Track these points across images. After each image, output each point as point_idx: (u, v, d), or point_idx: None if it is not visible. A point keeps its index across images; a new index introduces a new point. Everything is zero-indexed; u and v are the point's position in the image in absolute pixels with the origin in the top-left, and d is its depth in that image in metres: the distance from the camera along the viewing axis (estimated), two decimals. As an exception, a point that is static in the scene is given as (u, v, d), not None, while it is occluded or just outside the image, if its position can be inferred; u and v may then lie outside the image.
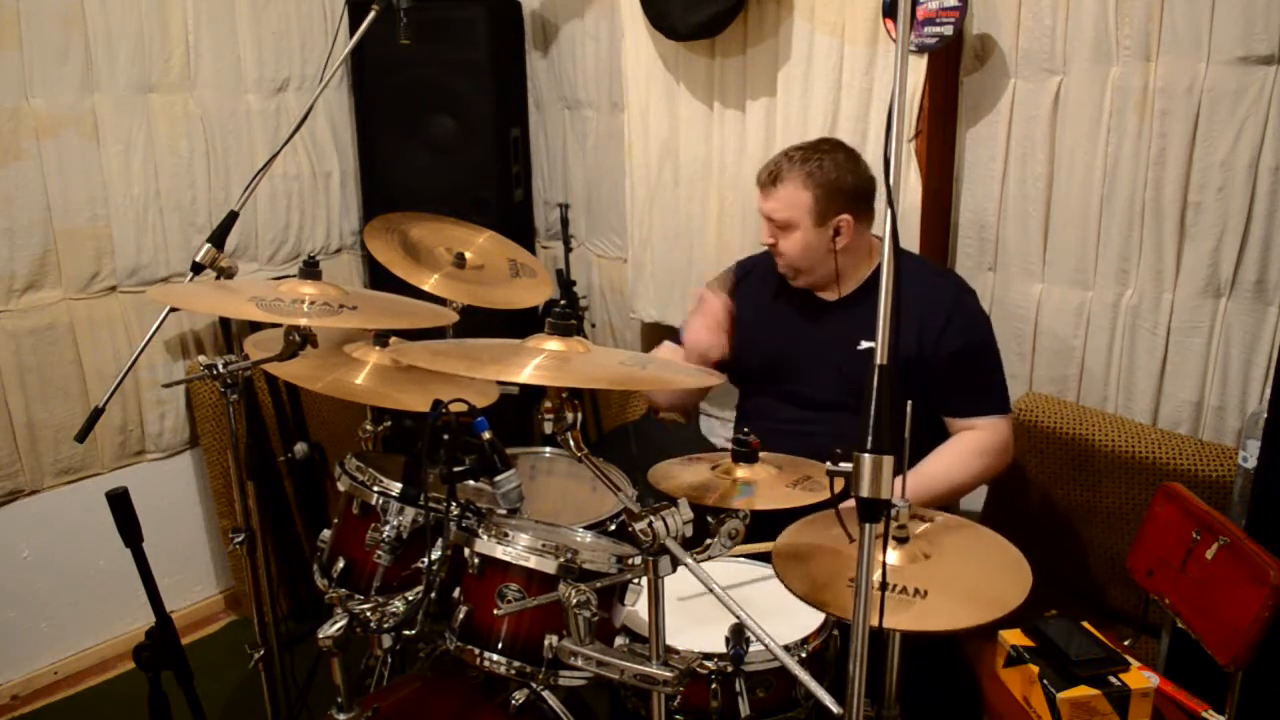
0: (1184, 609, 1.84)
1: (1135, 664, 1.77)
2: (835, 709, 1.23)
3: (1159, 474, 2.11)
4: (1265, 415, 1.83)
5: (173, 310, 1.98)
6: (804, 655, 1.63)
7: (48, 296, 2.65)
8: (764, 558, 1.79)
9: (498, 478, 1.54)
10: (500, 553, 1.55)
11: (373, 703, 1.58)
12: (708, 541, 1.51)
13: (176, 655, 1.68)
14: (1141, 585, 1.99)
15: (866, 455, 1.05)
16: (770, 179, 2.08)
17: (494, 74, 3.10)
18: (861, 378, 1.07)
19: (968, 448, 2.06)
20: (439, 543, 1.55)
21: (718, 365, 2.23)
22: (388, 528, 1.69)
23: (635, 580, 1.55)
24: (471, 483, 1.57)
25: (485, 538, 1.56)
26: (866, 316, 2.11)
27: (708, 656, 1.58)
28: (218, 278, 1.92)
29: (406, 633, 1.49)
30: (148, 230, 2.79)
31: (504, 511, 1.60)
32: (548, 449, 2.37)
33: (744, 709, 1.58)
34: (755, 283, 2.29)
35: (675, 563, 1.33)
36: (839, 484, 1.16)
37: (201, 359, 1.82)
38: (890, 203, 1.09)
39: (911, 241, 2.43)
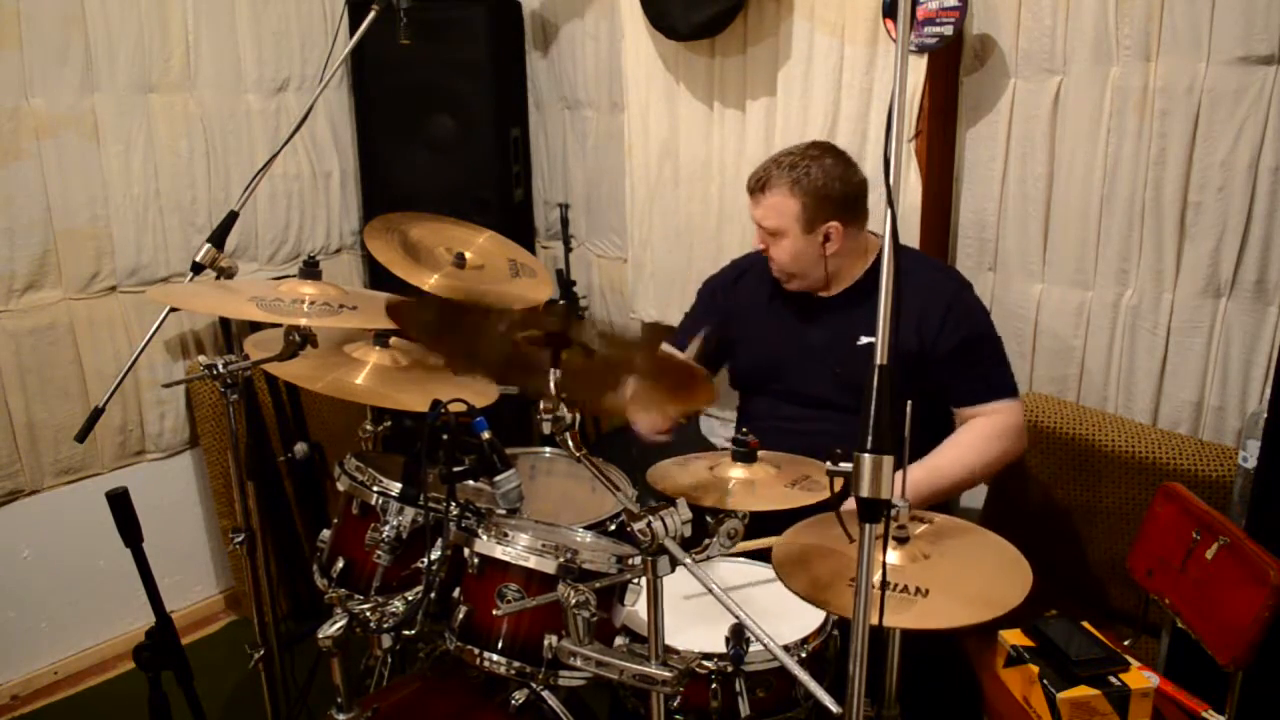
0: (1184, 609, 1.84)
1: (1135, 664, 1.77)
2: (835, 709, 1.23)
3: (1159, 474, 2.11)
4: (1265, 415, 1.83)
5: (173, 310, 1.98)
6: (804, 655, 1.63)
7: (48, 296, 2.65)
8: (764, 557, 1.80)
9: (497, 478, 1.54)
10: (500, 553, 1.55)
11: (373, 703, 1.58)
12: (706, 541, 1.51)
13: (176, 655, 1.68)
14: (1141, 585, 1.99)
15: (866, 455, 1.05)
16: (758, 186, 2.08)
17: (494, 74, 3.09)
18: (860, 374, 1.07)
19: (982, 433, 2.04)
20: (439, 543, 1.55)
21: (716, 368, 2.26)
22: (387, 528, 1.69)
23: (634, 580, 1.55)
24: (471, 483, 1.58)
25: (485, 538, 1.56)
26: (863, 313, 2.11)
27: (707, 656, 1.58)
28: (218, 278, 1.92)
29: (406, 633, 1.49)
30: (148, 230, 2.79)
31: (504, 511, 1.60)
32: (547, 449, 2.37)
33: (744, 709, 1.58)
34: (752, 282, 2.29)
35: (674, 563, 1.33)
36: (839, 484, 1.16)
37: (201, 359, 1.82)
38: (890, 203, 1.09)
39: (911, 241, 2.43)
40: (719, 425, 3.12)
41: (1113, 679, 1.73)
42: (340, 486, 1.82)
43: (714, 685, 1.59)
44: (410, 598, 1.52)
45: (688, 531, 1.35)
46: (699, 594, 1.77)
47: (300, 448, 2.22)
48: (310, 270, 1.80)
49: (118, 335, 2.77)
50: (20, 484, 2.66)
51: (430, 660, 1.81)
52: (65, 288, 2.67)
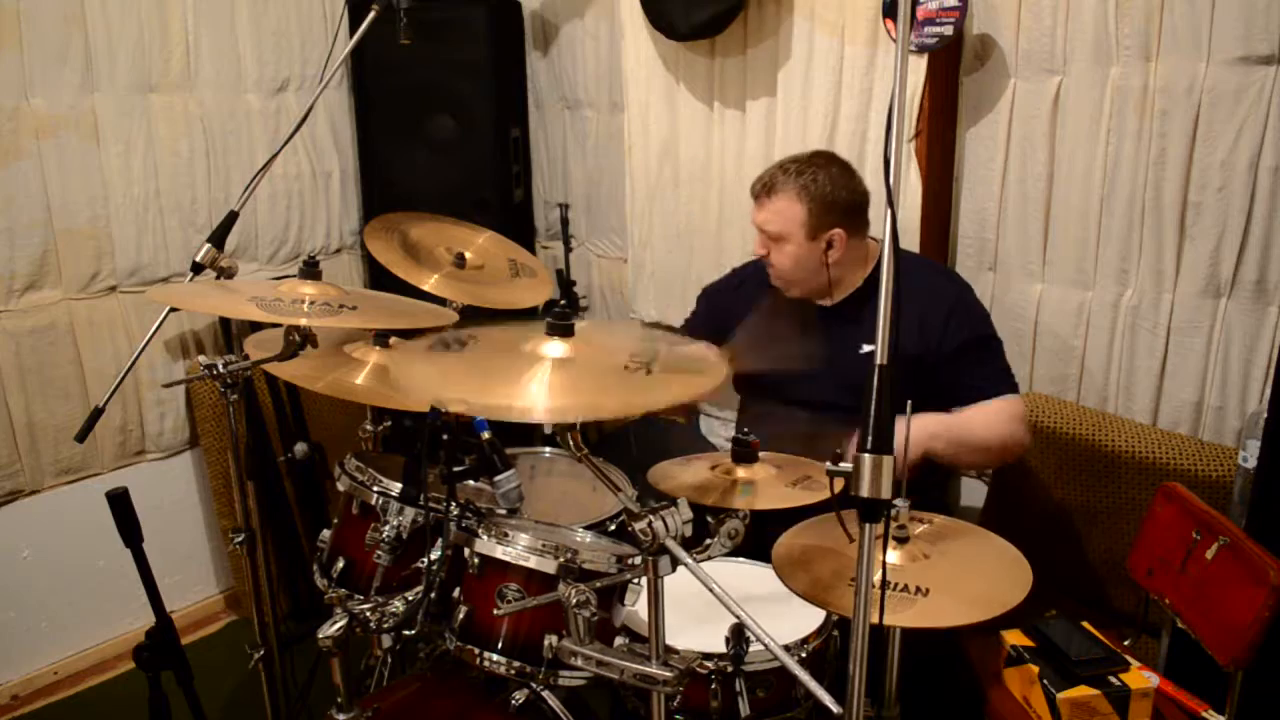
0: (1184, 609, 1.84)
1: (1135, 664, 1.77)
2: (835, 709, 1.23)
3: (1159, 474, 2.11)
4: (1265, 415, 1.83)
5: (173, 310, 1.98)
6: (804, 655, 1.63)
7: (48, 296, 2.65)
8: (764, 558, 1.79)
9: (497, 478, 1.54)
10: (500, 553, 1.55)
11: (373, 703, 1.58)
12: (707, 541, 1.51)
13: (176, 655, 1.68)
14: (1141, 585, 1.99)
15: (866, 455, 1.05)
16: (764, 190, 2.08)
17: (494, 74, 3.09)
18: (862, 381, 1.07)
19: (998, 410, 2.04)
20: (439, 543, 1.55)
21: None
22: (387, 528, 1.69)
23: (635, 580, 1.55)
24: (471, 483, 1.58)
25: (485, 538, 1.56)
26: (865, 320, 2.11)
27: (708, 656, 1.58)
28: (218, 278, 1.91)
29: (406, 633, 1.49)
30: (148, 230, 2.79)
31: (504, 511, 1.60)
32: (548, 449, 2.37)
33: (744, 709, 1.58)
34: (752, 289, 2.29)
35: (675, 562, 1.33)
36: (839, 484, 1.16)
37: (201, 359, 1.82)
38: (890, 203, 1.09)
39: (911, 241, 2.43)
40: (719, 425, 3.12)
41: (1113, 679, 1.73)
42: (340, 486, 1.82)
43: (714, 685, 1.59)
44: (410, 598, 1.52)
45: (688, 531, 1.35)
46: (699, 593, 1.77)
47: (300, 448, 2.22)
48: (310, 270, 1.79)
49: (118, 335, 2.77)
50: (20, 484, 2.66)
51: (430, 660, 1.81)
52: (65, 288, 2.67)
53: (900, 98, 1.09)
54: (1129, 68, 2.15)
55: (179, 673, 1.70)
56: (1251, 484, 1.90)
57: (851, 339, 2.11)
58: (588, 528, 1.87)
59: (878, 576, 1.36)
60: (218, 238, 1.90)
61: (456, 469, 1.50)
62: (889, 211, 1.09)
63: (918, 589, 1.39)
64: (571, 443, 1.35)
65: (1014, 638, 1.85)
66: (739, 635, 1.56)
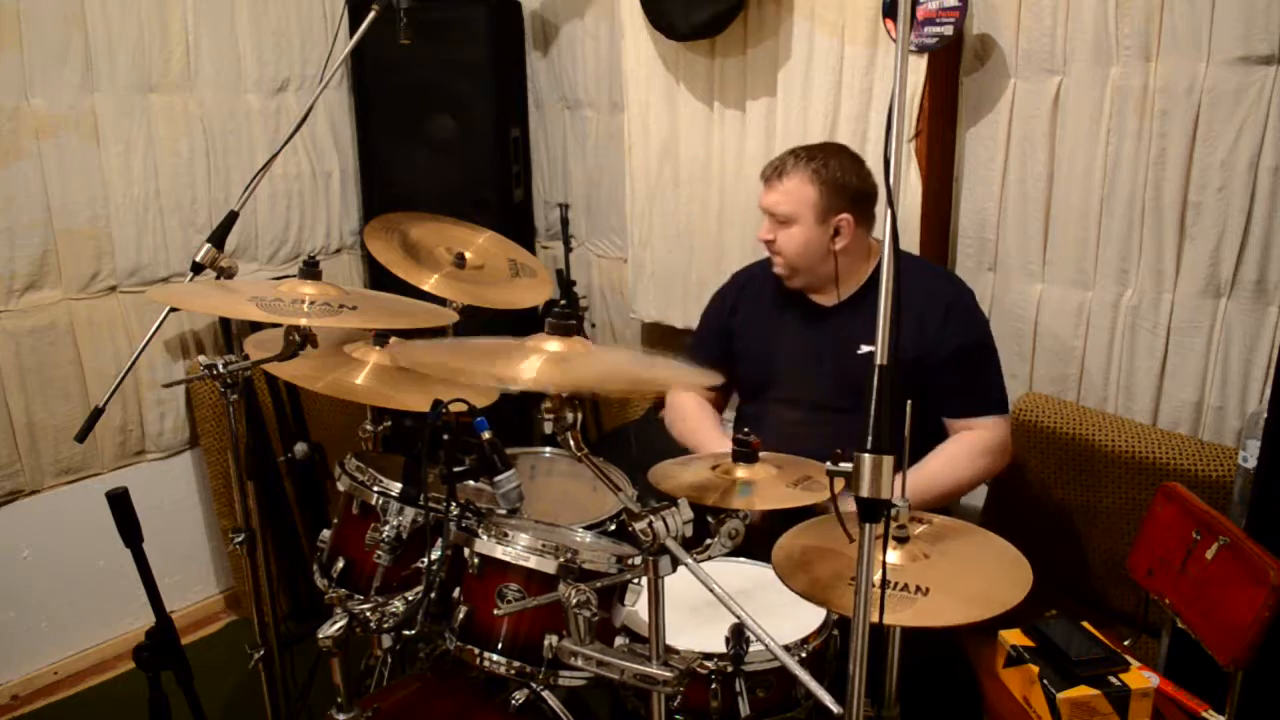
0: (1184, 609, 1.84)
1: (1135, 664, 1.77)
2: (835, 709, 1.23)
3: (1159, 474, 2.11)
4: (1265, 415, 1.83)
5: (173, 310, 1.98)
6: (804, 655, 1.63)
7: (48, 296, 2.65)
8: (764, 558, 1.79)
9: (498, 478, 1.54)
10: (500, 553, 1.55)
11: (373, 703, 1.58)
12: (708, 541, 1.51)
13: (176, 655, 1.68)
14: (1141, 585, 1.99)
15: (866, 455, 1.05)
16: (775, 173, 2.09)
17: (494, 74, 3.09)
18: (861, 381, 1.07)
19: (967, 448, 2.06)
20: (439, 543, 1.55)
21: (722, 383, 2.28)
22: (388, 528, 1.69)
23: (635, 580, 1.55)
24: (471, 483, 1.57)
25: (485, 538, 1.56)
26: (865, 320, 2.10)
27: (708, 656, 1.58)
28: (218, 278, 1.91)
29: (406, 633, 1.49)
30: (148, 230, 2.79)
31: (504, 511, 1.60)
32: (548, 449, 2.37)
33: (744, 709, 1.58)
34: (753, 291, 2.30)
35: (675, 563, 1.33)
36: (839, 484, 1.16)
37: (201, 359, 1.81)
38: (890, 203, 1.09)
39: (911, 241, 2.43)
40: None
41: (1113, 679, 1.73)
42: (340, 486, 1.82)
43: (714, 685, 1.59)
44: (410, 598, 1.52)
45: (689, 531, 1.35)
46: (699, 593, 1.77)
47: (300, 448, 2.22)
48: (310, 270, 1.79)
49: (118, 335, 2.77)
50: (20, 484, 2.66)
51: (430, 660, 1.81)
52: (65, 288, 2.67)
53: (900, 98, 1.09)
54: (1129, 68, 2.15)
55: (179, 673, 1.70)
56: (1251, 484, 1.90)
57: (852, 339, 2.11)
58: (588, 528, 1.87)
59: (878, 576, 1.36)
60: (218, 238, 1.90)
61: (456, 469, 1.50)
62: (889, 211, 1.09)
63: (918, 589, 1.39)
64: (571, 443, 1.35)
65: (1014, 638, 1.85)
66: (739, 635, 1.56)
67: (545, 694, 1.69)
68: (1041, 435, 2.32)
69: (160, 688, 1.65)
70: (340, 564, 1.78)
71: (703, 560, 1.38)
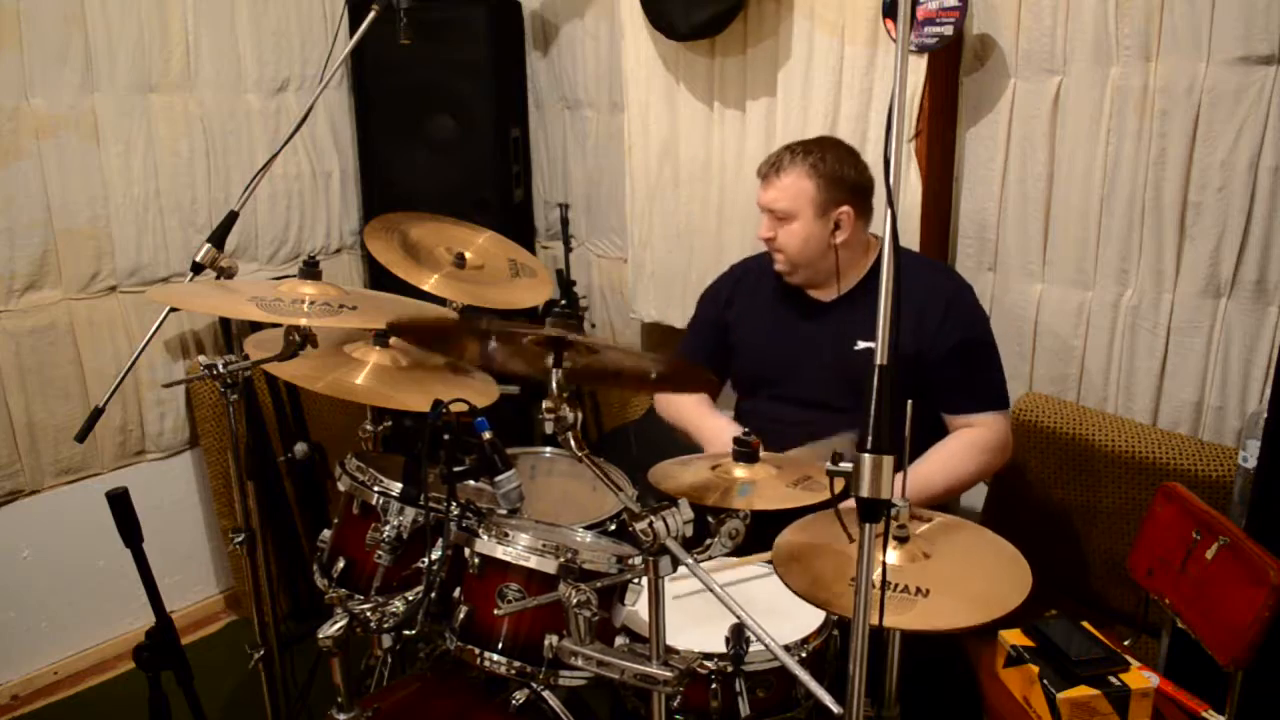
0: (1184, 609, 1.84)
1: (1135, 664, 1.77)
2: (835, 709, 1.23)
3: (1159, 474, 2.11)
4: (1265, 415, 1.83)
5: (173, 310, 1.98)
6: (804, 655, 1.63)
7: (48, 296, 2.65)
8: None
9: (498, 478, 1.54)
10: (500, 553, 1.55)
11: (373, 703, 1.58)
12: (708, 541, 1.51)
13: (176, 655, 1.68)
14: (1141, 585, 1.99)
15: (866, 455, 1.05)
16: (772, 169, 2.09)
17: (494, 74, 3.09)
18: (860, 377, 1.07)
19: (966, 444, 2.05)
20: (439, 543, 1.55)
21: (716, 373, 2.26)
22: (388, 528, 1.69)
23: (635, 580, 1.55)
24: (471, 483, 1.58)
25: (485, 538, 1.56)
26: (863, 316, 2.11)
27: (708, 656, 1.58)
28: (218, 278, 1.92)
29: (406, 633, 1.49)
30: (148, 230, 2.79)
31: (504, 511, 1.60)
32: (548, 449, 2.37)
33: (744, 709, 1.58)
34: (750, 285, 2.29)
35: (675, 563, 1.33)
36: (839, 484, 1.16)
37: (201, 359, 1.82)
38: (890, 202, 1.09)
39: (911, 241, 2.43)
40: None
41: (1113, 679, 1.73)
42: (341, 486, 1.82)
43: (714, 685, 1.59)
44: (410, 598, 1.52)
45: (689, 531, 1.35)
46: (699, 592, 1.78)
47: (300, 448, 2.22)
48: (310, 270, 1.79)
49: (118, 335, 2.77)
50: (20, 484, 2.66)
51: (430, 660, 1.81)
52: (65, 288, 2.67)
53: (900, 98, 1.09)
54: (1129, 68, 2.15)
55: (179, 673, 1.70)
56: (1251, 484, 1.90)
57: (850, 335, 2.11)
58: (588, 528, 1.87)
59: (878, 575, 1.36)
60: (218, 238, 1.90)
61: (457, 469, 1.50)
62: (889, 211, 1.09)
63: (918, 589, 1.39)
64: (572, 443, 1.35)
65: (1014, 638, 1.85)
66: (739, 635, 1.56)
67: (545, 694, 1.69)
68: (1041, 435, 2.32)
69: (160, 688, 1.65)
70: (340, 564, 1.78)
71: (702, 560, 1.38)
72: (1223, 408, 2.16)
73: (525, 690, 1.69)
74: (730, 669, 1.58)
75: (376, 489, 1.75)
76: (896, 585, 1.40)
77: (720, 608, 1.34)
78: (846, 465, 1.09)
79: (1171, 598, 1.88)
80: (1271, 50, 1.96)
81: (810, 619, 1.69)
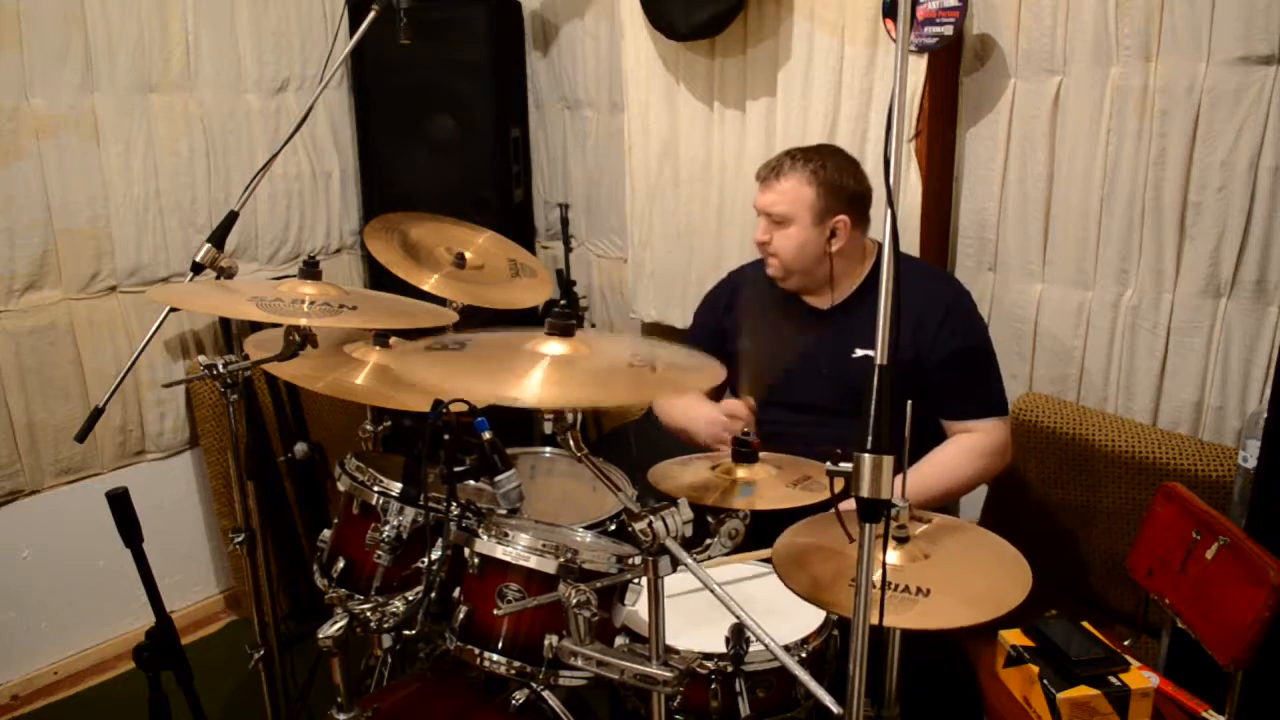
0: (1184, 609, 1.84)
1: (1135, 664, 1.77)
2: (835, 709, 1.23)
3: (1159, 474, 2.11)
4: (1265, 415, 1.83)
5: (173, 310, 1.98)
6: (804, 655, 1.63)
7: (48, 296, 2.65)
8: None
9: (498, 478, 1.54)
10: (500, 553, 1.55)
11: (373, 703, 1.58)
12: (708, 541, 1.51)
13: (176, 655, 1.68)
14: (1141, 585, 1.99)
15: (866, 455, 1.05)
16: (772, 173, 2.09)
17: (494, 74, 3.10)
18: (858, 384, 1.07)
19: (965, 449, 2.06)
20: (439, 543, 1.55)
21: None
22: (388, 528, 1.69)
23: (635, 580, 1.55)
24: (471, 483, 1.58)
25: (485, 538, 1.56)
26: (861, 323, 2.11)
27: (708, 656, 1.58)
28: (218, 278, 1.92)
29: (407, 633, 1.49)
30: (148, 230, 2.79)
31: (504, 511, 1.60)
32: (548, 449, 2.37)
33: (744, 709, 1.58)
34: (748, 291, 2.29)
35: (675, 563, 1.33)
36: (839, 484, 1.16)
37: (201, 359, 1.82)
38: (890, 203, 1.09)
39: (911, 242, 2.43)
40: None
41: (1113, 679, 1.73)
42: (341, 486, 1.82)
43: (714, 685, 1.59)
44: (410, 598, 1.52)
45: (689, 531, 1.35)
46: (698, 591, 1.77)
47: (300, 448, 2.22)
48: (310, 270, 1.79)
49: (118, 335, 2.77)
50: (20, 484, 2.66)
51: (430, 660, 1.81)
52: (65, 288, 2.68)
53: (900, 98, 1.09)
54: (1129, 68, 2.15)
55: (179, 673, 1.70)
56: (1251, 484, 1.90)
57: (847, 342, 2.10)
58: (588, 528, 1.87)
59: (878, 576, 1.36)
60: (218, 238, 1.90)
61: (456, 469, 1.50)
62: (889, 211, 1.09)
63: (918, 589, 1.39)
64: (571, 443, 1.35)
65: (1014, 638, 1.85)
66: (739, 635, 1.56)
67: (545, 694, 1.69)
68: (1041, 435, 2.32)
69: (160, 688, 1.65)
70: (340, 564, 1.78)
71: (702, 560, 1.38)
72: (1223, 408, 2.16)
73: (525, 690, 1.69)
74: (730, 669, 1.58)
75: (376, 489, 1.74)
76: (896, 585, 1.40)
77: (720, 608, 1.34)
78: (846, 466, 1.09)
79: (1171, 598, 1.88)
80: (1271, 50, 1.96)
81: (810, 619, 1.69)
